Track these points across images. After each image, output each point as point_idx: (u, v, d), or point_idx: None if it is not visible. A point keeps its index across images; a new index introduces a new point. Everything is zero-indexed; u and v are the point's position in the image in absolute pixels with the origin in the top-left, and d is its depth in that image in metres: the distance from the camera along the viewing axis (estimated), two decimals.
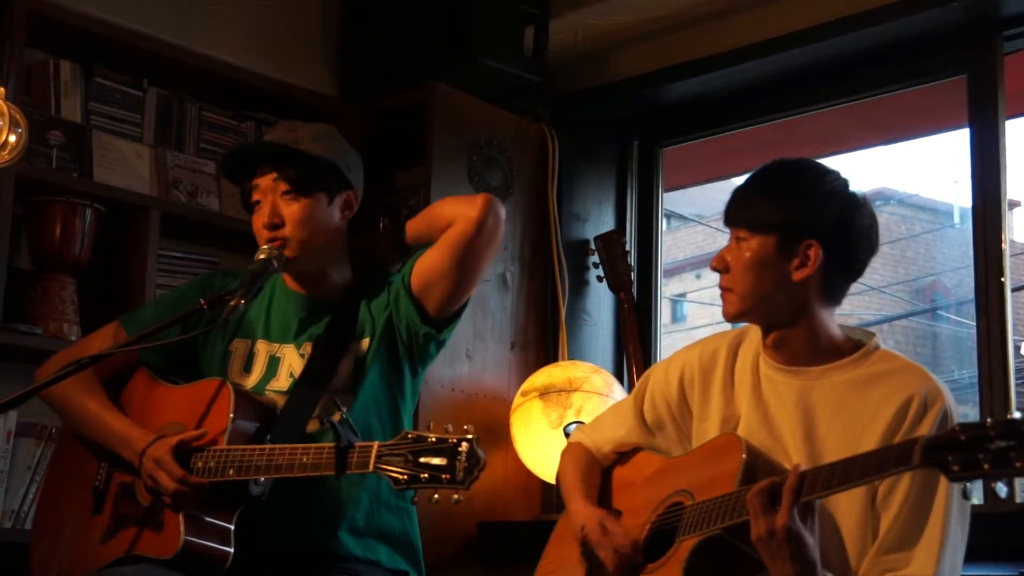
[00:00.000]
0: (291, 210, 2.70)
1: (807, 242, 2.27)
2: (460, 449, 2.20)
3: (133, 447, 2.59)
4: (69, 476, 2.81)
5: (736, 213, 2.33)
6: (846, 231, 2.28)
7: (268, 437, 2.56)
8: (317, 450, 2.40)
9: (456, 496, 2.22)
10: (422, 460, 2.21)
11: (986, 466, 1.78)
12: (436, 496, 2.23)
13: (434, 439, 2.22)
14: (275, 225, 2.69)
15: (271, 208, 2.71)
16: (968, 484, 1.88)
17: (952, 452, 1.83)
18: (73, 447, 2.81)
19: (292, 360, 2.73)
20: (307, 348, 2.72)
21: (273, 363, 2.74)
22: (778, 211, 2.28)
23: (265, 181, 2.73)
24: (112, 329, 2.82)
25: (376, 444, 2.29)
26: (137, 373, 2.81)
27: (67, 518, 2.76)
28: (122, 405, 2.76)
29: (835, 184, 2.31)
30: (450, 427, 2.24)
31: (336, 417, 2.42)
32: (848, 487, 2.03)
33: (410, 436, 2.25)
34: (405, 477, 2.22)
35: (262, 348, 2.76)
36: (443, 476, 2.19)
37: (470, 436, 2.21)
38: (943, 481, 2.14)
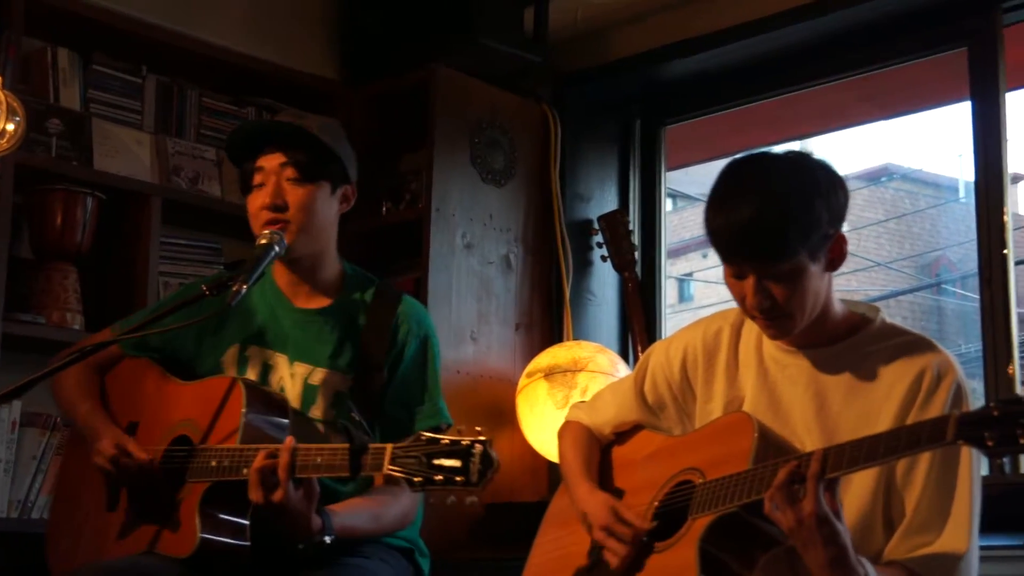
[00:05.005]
0: (296, 195, 2.68)
1: (835, 236, 2.21)
2: (474, 451, 2.19)
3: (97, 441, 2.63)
4: (81, 473, 2.80)
5: (761, 255, 2.16)
6: (845, 209, 2.23)
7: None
8: (331, 452, 2.39)
9: (472, 498, 2.25)
10: (435, 462, 2.20)
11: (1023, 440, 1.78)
12: (452, 498, 2.25)
13: (447, 441, 2.21)
14: (278, 207, 2.67)
15: (275, 189, 2.68)
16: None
17: (987, 428, 1.82)
18: (82, 447, 2.81)
19: (283, 373, 2.72)
20: (298, 367, 2.72)
21: (265, 370, 2.73)
22: (801, 233, 2.14)
23: (271, 163, 2.70)
24: (106, 333, 2.84)
25: (390, 446, 2.27)
26: (147, 372, 2.81)
27: (83, 515, 2.77)
28: (135, 403, 2.77)
29: (824, 173, 2.21)
30: (463, 428, 2.24)
31: (351, 419, 2.42)
32: (874, 464, 2.01)
33: (424, 438, 2.24)
34: (420, 479, 2.21)
35: (255, 353, 2.75)
36: (457, 478, 2.19)
37: (483, 438, 2.21)
38: (964, 454, 2.13)
